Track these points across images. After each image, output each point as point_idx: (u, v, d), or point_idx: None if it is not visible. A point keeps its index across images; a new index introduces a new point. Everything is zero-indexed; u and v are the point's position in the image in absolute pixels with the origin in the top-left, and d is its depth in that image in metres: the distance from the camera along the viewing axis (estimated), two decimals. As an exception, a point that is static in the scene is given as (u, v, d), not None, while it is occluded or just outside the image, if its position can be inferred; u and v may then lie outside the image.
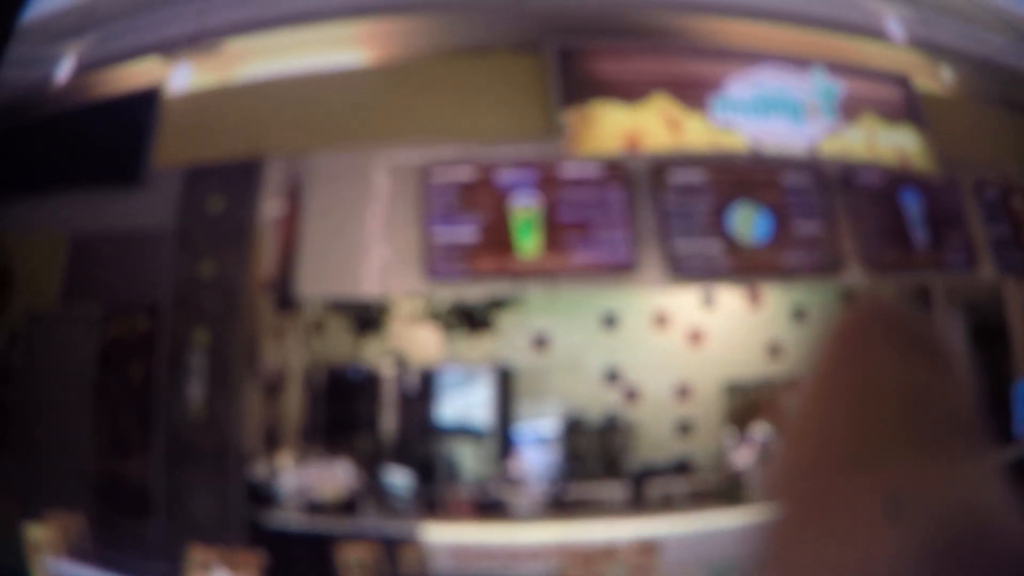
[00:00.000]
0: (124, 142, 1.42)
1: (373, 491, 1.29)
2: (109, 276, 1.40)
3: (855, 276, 1.45)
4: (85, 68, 1.42)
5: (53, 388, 1.40)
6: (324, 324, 1.32)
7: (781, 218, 1.43)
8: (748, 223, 1.36)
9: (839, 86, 1.54)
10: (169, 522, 1.36)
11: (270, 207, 1.37)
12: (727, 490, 1.33)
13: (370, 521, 1.31)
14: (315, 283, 1.35)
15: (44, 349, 1.40)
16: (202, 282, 1.38)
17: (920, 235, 1.54)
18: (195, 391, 1.35)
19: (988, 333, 1.63)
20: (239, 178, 1.40)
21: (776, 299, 1.39)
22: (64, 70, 1.42)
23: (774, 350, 1.38)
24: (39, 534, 1.37)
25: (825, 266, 1.44)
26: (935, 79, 1.64)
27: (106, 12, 1.42)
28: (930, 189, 1.58)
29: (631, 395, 1.31)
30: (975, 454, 0.39)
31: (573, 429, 1.28)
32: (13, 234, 1.39)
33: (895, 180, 1.55)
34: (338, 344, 1.31)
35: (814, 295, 1.44)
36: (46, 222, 1.39)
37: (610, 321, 1.32)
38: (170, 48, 1.42)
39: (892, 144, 1.56)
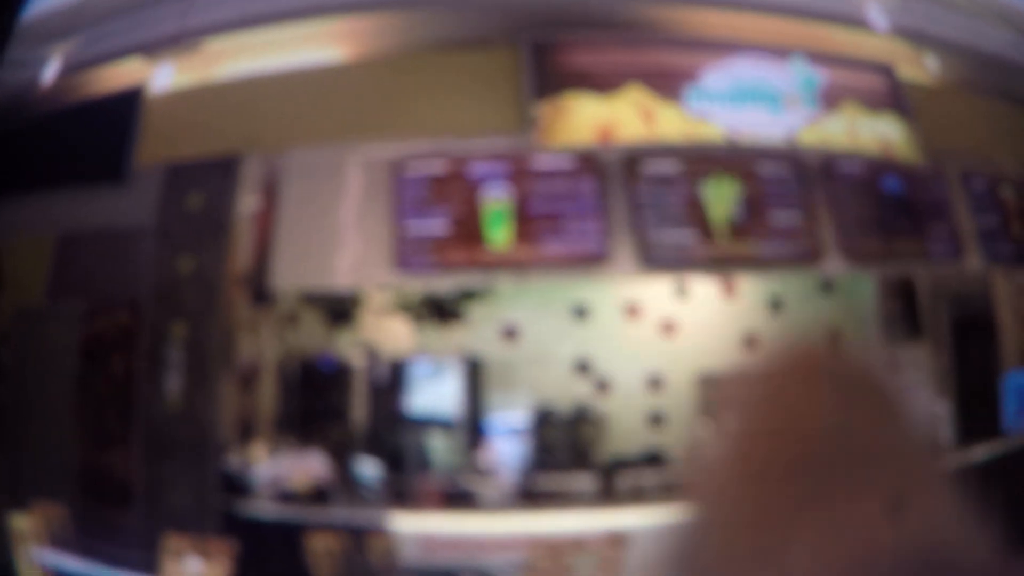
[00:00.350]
0: (108, 142, 1.45)
1: (344, 481, 1.30)
2: (93, 273, 1.43)
3: (834, 266, 1.43)
4: (71, 69, 1.46)
5: (39, 383, 1.44)
6: (298, 316, 1.34)
7: (757, 207, 1.42)
8: (723, 204, 1.35)
9: (820, 75, 1.53)
10: (147, 512, 1.39)
11: (247, 203, 1.40)
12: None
13: (340, 511, 1.32)
14: (289, 276, 1.36)
15: (31, 345, 1.44)
16: (181, 277, 1.40)
17: (903, 225, 1.52)
18: (173, 384, 1.37)
19: (976, 325, 1.59)
20: (217, 175, 1.42)
21: (752, 289, 1.38)
22: (51, 72, 1.46)
23: (750, 341, 1.36)
24: (24, 524, 1.41)
25: (803, 256, 1.42)
26: (920, 68, 1.62)
27: (92, 14, 1.46)
28: (914, 178, 1.55)
29: (602, 386, 1.31)
30: (923, 490, 0.38)
31: (543, 420, 1.28)
32: (1, 234, 1.43)
33: (877, 169, 1.52)
34: (311, 336, 1.33)
35: (792, 285, 1.42)
36: (33, 222, 1.43)
37: (581, 312, 1.31)
38: (153, 49, 1.46)
39: (874, 133, 1.54)
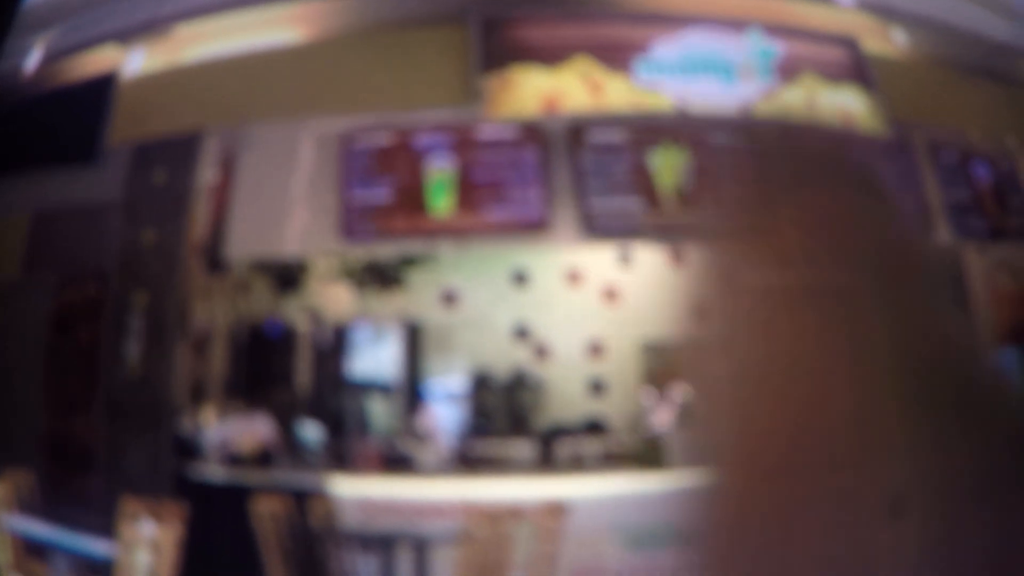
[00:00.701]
0: (82, 125, 1.53)
1: (287, 444, 1.32)
2: (64, 247, 1.50)
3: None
4: (52, 58, 1.54)
5: (12, 353, 1.51)
6: (249, 284, 1.37)
7: (707, 175, 1.40)
8: (671, 173, 1.34)
9: (777, 47, 1.51)
10: (106, 476, 1.43)
11: (206, 177, 1.45)
12: (643, 453, 1.29)
13: (284, 474, 1.34)
14: (242, 246, 1.40)
15: (4, 317, 1.51)
16: (144, 249, 1.46)
17: None
18: (133, 351, 1.42)
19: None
20: (180, 152, 1.48)
21: (701, 257, 1.35)
22: (32, 61, 1.55)
23: (698, 311, 1.34)
24: (-4, 489, 1.46)
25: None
26: (886, 41, 1.58)
27: (72, 4, 1.54)
28: (877, 149, 1.51)
29: (541, 352, 1.30)
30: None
31: (481, 385, 1.28)
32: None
33: (836, 138, 1.49)
34: (260, 302, 1.36)
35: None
36: (10, 202, 1.51)
37: (520, 278, 1.32)
38: (126, 36, 1.53)
39: (835, 104, 1.51)
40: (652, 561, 1.26)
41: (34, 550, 1.55)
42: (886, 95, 1.51)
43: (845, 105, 1.50)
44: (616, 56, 1.45)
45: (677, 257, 1.37)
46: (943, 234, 1.49)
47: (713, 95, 1.45)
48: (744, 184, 1.49)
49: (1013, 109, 1.66)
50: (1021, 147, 1.63)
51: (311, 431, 1.32)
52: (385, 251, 1.32)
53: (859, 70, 1.52)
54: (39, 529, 1.52)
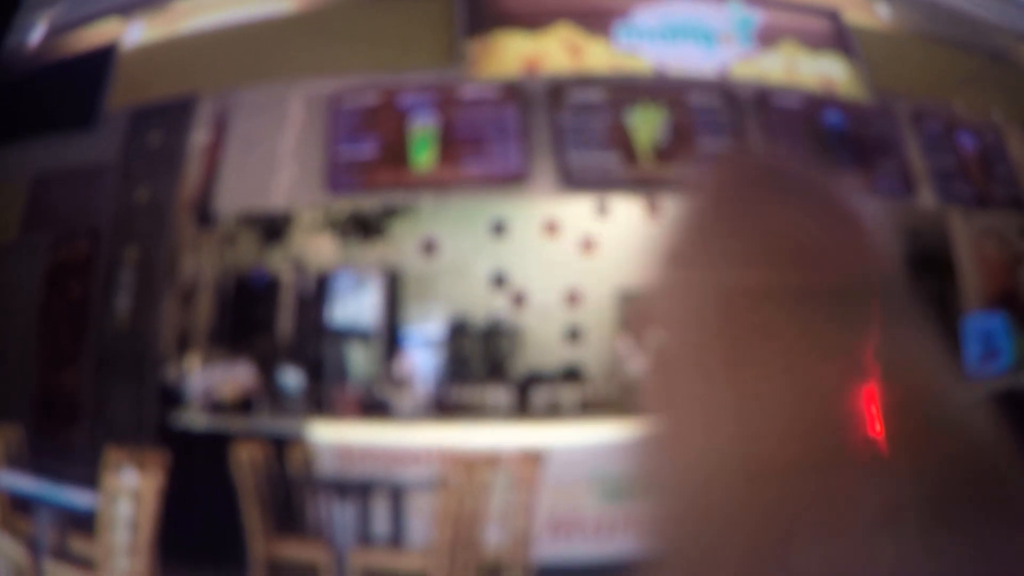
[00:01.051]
0: (83, 93, 1.59)
1: (268, 390, 1.34)
2: (61, 209, 1.55)
3: None
4: (55, 32, 1.61)
5: (7, 313, 1.54)
6: (236, 236, 1.41)
7: (684, 133, 1.43)
8: (648, 130, 1.37)
9: (758, 16, 1.54)
10: (93, 428, 1.45)
11: (199, 138, 1.49)
12: (619, 400, 1.29)
13: (264, 420, 1.35)
14: (231, 200, 1.44)
15: (3, 278, 1.55)
16: (137, 207, 1.50)
17: (844, 157, 1.49)
18: (123, 304, 1.45)
19: (931, 262, 1.54)
20: (175, 115, 1.53)
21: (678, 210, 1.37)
22: (36, 35, 1.61)
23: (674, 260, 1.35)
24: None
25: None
26: (870, 14, 1.61)
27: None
28: (858, 114, 1.53)
29: (518, 300, 1.31)
30: (898, 319, 0.32)
31: (458, 332, 1.29)
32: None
33: (817, 103, 1.51)
34: (247, 254, 1.39)
35: None
36: (12, 168, 1.56)
37: (499, 228, 1.34)
38: (127, 9, 1.60)
39: (815, 71, 1.53)
40: (631, 511, 1.26)
41: (20, 505, 1.57)
42: (869, 65, 1.54)
43: (825, 72, 1.52)
44: (597, 22, 1.49)
45: (653, 209, 1.39)
46: (927, 198, 1.51)
47: (691, 59, 1.48)
48: (719, 140, 1.51)
49: (999, 85, 1.68)
50: (1008, 121, 1.64)
51: (292, 377, 1.34)
52: (368, 203, 1.35)
53: (841, 40, 1.55)
54: (26, 484, 1.54)
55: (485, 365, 1.25)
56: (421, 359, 1.26)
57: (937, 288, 1.52)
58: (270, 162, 1.44)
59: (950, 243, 1.49)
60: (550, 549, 1.24)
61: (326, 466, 1.27)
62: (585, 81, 1.42)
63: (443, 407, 1.26)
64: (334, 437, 1.27)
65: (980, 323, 1.54)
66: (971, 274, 1.50)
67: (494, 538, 1.27)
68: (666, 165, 1.38)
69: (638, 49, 1.50)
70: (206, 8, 1.59)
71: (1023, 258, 1.72)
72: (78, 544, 1.44)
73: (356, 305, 1.29)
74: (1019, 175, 1.69)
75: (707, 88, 1.45)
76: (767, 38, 1.55)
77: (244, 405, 1.32)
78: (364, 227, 1.30)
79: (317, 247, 1.32)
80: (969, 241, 1.55)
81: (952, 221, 1.51)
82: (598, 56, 1.47)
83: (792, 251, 0.32)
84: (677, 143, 1.42)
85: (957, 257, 1.51)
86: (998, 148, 1.67)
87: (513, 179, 1.34)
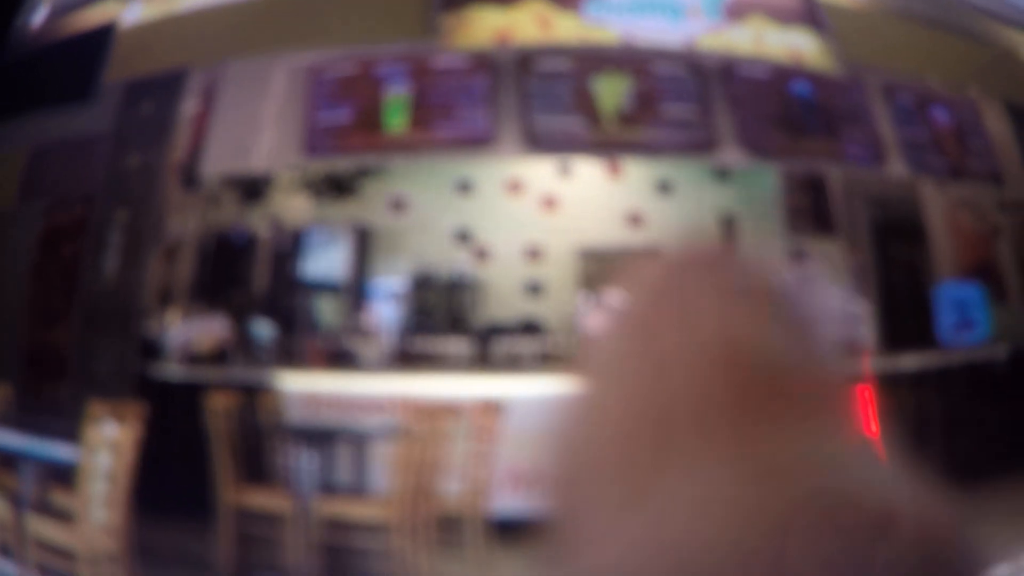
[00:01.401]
0: (82, 68, 1.67)
1: (242, 342, 1.38)
2: (58, 176, 1.62)
3: (730, 156, 1.44)
4: (58, 13, 1.70)
5: (3, 278, 1.61)
6: (219, 197, 1.47)
7: (649, 99, 1.46)
8: (613, 96, 1.40)
9: (725, -7, 1.58)
10: (77, 382, 1.51)
11: (188, 108, 1.56)
12: (562, 355, 1.32)
13: (237, 370, 1.39)
14: (215, 164, 1.50)
15: (2, 243, 1.62)
16: (129, 172, 1.57)
17: (812, 125, 1.51)
18: (110, 263, 1.51)
19: (902, 230, 1.54)
20: (167, 86, 1.60)
21: (638, 171, 1.40)
22: (39, 17, 1.70)
23: (634, 219, 1.38)
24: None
25: (695, 144, 1.44)
26: (838, -9, 1.64)
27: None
28: (827, 85, 1.56)
29: (481, 255, 1.35)
30: (829, 429, 0.32)
31: (422, 285, 1.33)
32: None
33: (785, 73, 1.54)
34: (228, 213, 1.45)
35: (683, 171, 1.44)
36: (12, 140, 1.65)
37: (464, 187, 1.38)
38: (127, -9, 1.68)
39: (784, 44, 1.56)
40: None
41: (6, 461, 1.62)
42: (840, 39, 1.57)
43: (794, 44, 1.55)
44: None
45: (614, 170, 1.42)
46: (898, 168, 1.52)
47: (658, 31, 1.52)
48: (683, 107, 1.55)
49: (975, 63, 1.69)
50: (984, 97, 1.66)
51: (264, 329, 1.38)
52: (342, 164, 1.41)
53: (811, 14, 1.58)
54: (12, 441, 1.59)
55: (448, 317, 1.29)
56: (386, 311, 1.30)
57: (909, 256, 1.53)
58: (253, 129, 1.50)
59: (921, 212, 1.50)
60: (509, 502, 1.26)
61: (294, 414, 1.31)
62: (552, 51, 1.46)
63: (406, 357, 1.30)
64: (302, 386, 1.31)
65: (954, 292, 1.55)
66: (944, 243, 1.51)
67: (454, 488, 1.30)
68: (628, 129, 1.42)
69: (606, 22, 1.54)
70: (199, -11, 1.68)
71: (1000, 231, 1.72)
72: (59, 498, 1.49)
73: (327, 260, 1.34)
74: (994, 150, 1.70)
75: (672, 58, 1.49)
76: (735, 12, 1.59)
77: (219, 356, 1.37)
78: (338, 187, 1.35)
79: (293, 206, 1.37)
80: (942, 211, 1.56)
81: (924, 191, 1.53)
82: (567, 28, 1.52)
83: (728, 353, 0.33)
84: (641, 109, 1.46)
85: (930, 226, 1.52)
86: (973, 123, 1.69)
87: (479, 141, 1.38)
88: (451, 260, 1.42)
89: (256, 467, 1.41)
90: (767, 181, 1.55)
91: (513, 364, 1.36)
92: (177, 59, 1.69)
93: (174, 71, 1.68)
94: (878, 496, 0.30)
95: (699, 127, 1.52)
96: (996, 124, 1.89)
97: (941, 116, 1.75)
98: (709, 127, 1.53)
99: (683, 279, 0.36)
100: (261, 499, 1.39)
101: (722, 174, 1.52)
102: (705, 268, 0.37)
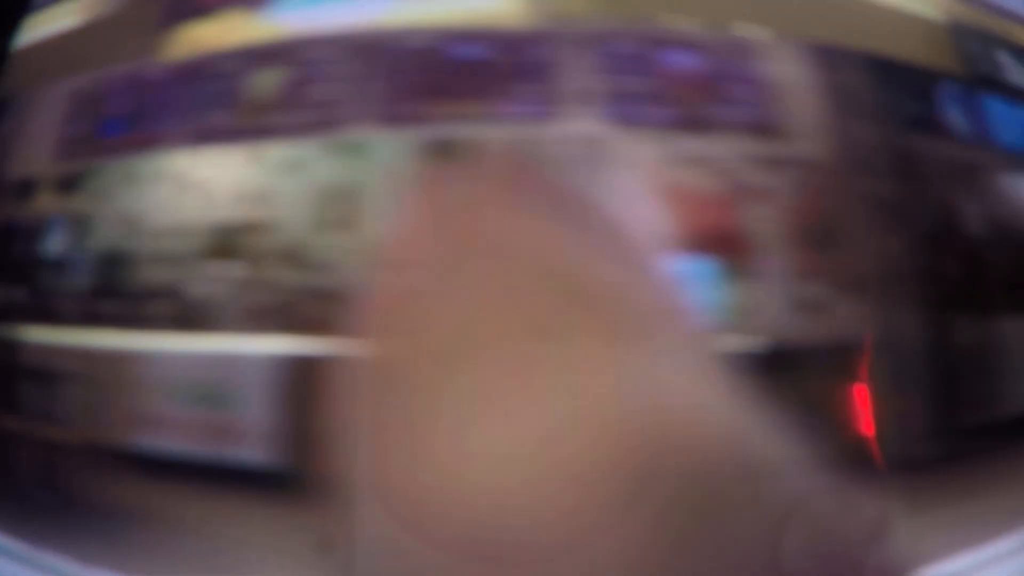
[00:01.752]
0: None
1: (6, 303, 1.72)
2: None
3: (361, 130, 1.53)
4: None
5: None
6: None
7: (297, 85, 1.59)
8: (264, 88, 1.56)
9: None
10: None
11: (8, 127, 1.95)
12: (198, 316, 1.50)
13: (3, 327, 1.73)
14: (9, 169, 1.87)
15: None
16: None
17: (473, 85, 1.54)
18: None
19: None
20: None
21: (270, 154, 1.55)
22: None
23: (262, 197, 1.53)
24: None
25: (325, 123, 1.55)
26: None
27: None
28: (505, 43, 1.57)
29: (134, 231, 1.58)
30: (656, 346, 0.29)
31: (103, 259, 1.59)
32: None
33: (447, 37, 1.58)
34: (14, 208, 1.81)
35: (312, 150, 1.56)
36: None
37: (135, 179, 1.62)
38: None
39: (466, 7, 1.60)
40: (209, 417, 1.47)
41: None
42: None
43: (474, 7, 1.60)
44: (260, 3, 1.72)
45: (254, 155, 1.59)
46: (585, 124, 1.45)
47: (331, 18, 1.65)
48: (333, 88, 1.69)
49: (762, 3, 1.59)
50: (779, 40, 1.56)
51: (20, 293, 1.72)
52: (77, 167, 1.72)
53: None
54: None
55: (107, 285, 1.54)
56: (84, 279, 1.60)
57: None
58: (29, 146, 1.86)
59: (612, 165, 1.48)
60: (137, 441, 1.48)
61: (35, 359, 1.63)
62: (221, 55, 1.66)
63: (88, 317, 1.59)
64: (43, 338, 1.63)
65: (681, 267, 1.39)
66: (660, 209, 1.46)
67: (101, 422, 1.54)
68: (265, 116, 1.58)
69: (283, 19, 1.71)
70: None
71: (752, 192, 1.61)
72: None
73: (61, 242, 1.66)
74: (767, 99, 1.59)
75: (327, 43, 1.62)
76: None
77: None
78: (70, 185, 1.67)
79: (45, 201, 1.71)
80: (649, 167, 1.50)
81: (624, 145, 1.48)
82: (248, 31, 1.71)
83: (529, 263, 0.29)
84: (283, 96, 1.61)
85: (633, 188, 1.47)
86: (738, 68, 1.59)
87: (155, 142, 1.63)
88: (115, 238, 1.66)
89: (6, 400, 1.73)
90: (397, 150, 1.61)
91: (153, 324, 1.58)
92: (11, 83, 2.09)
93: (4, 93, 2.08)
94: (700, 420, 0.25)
95: (334, 106, 1.63)
96: (787, 69, 1.76)
97: (679, 62, 1.64)
98: (345, 105, 1.62)
99: (480, 194, 0.32)
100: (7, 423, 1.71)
101: (354, 148, 1.61)
102: (505, 182, 0.33)
